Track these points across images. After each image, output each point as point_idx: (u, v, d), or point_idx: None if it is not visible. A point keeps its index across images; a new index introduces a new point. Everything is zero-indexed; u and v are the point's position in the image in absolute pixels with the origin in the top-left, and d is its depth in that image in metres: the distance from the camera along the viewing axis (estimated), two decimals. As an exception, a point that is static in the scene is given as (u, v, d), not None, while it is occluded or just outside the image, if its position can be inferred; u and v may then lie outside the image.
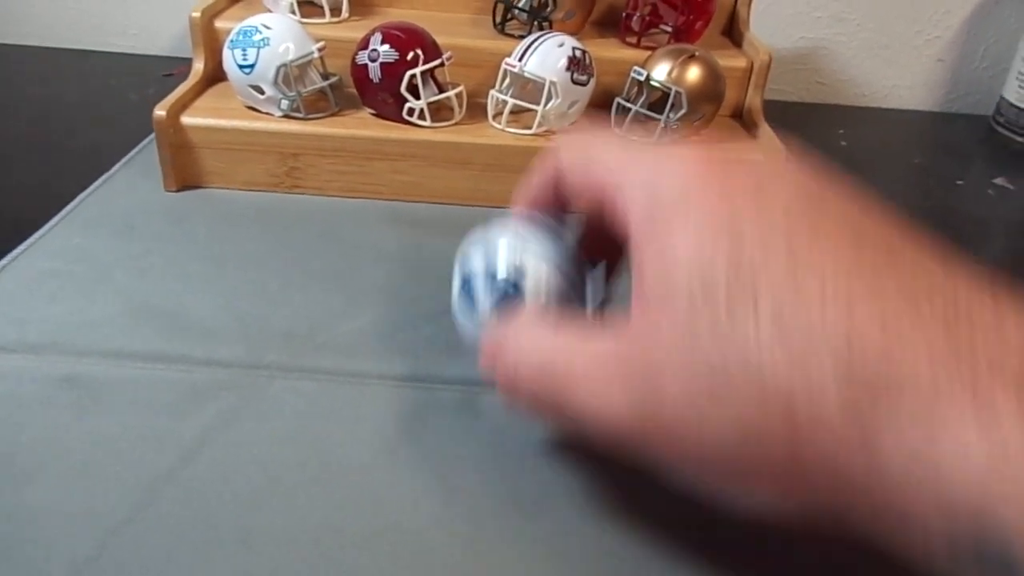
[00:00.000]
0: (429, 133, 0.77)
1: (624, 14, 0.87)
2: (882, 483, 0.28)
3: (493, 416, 0.53)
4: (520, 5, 0.86)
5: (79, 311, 0.60)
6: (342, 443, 0.50)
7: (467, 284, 0.48)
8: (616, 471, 0.49)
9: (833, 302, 0.30)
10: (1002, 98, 1.13)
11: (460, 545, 0.44)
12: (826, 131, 1.08)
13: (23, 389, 0.52)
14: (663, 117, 0.77)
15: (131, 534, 0.43)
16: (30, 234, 0.69)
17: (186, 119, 0.76)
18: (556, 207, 0.48)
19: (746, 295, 0.31)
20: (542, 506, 0.47)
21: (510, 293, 0.45)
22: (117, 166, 0.81)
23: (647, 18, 0.87)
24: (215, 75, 0.83)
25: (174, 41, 1.14)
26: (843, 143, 1.06)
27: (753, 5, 0.94)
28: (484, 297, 0.46)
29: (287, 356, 0.57)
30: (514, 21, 0.88)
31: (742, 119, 0.87)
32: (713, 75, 0.78)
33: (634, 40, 0.87)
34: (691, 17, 0.87)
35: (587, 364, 0.36)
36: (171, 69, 1.06)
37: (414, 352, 0.59)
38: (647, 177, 0.37)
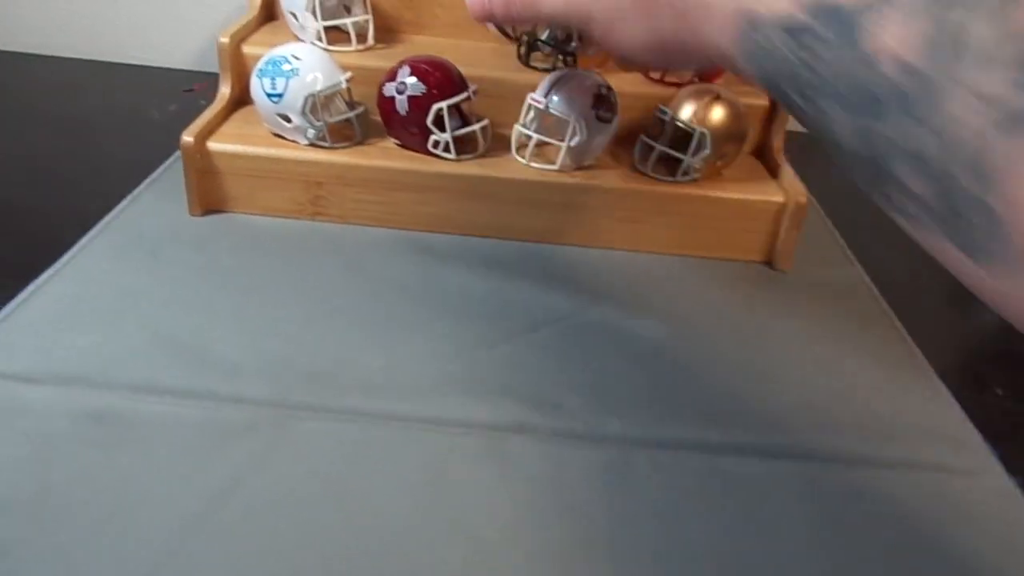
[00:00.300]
0: (453, 166, 0.78)
1: None
2: None
3: (519, 463, 0.54)
4: (544, 38, 0.86)
5: (106, 342, 0.61)
6: (369, 490, 0.51)
7: None
8: (643, 519, 0.50)
9: None
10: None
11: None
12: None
13: (53, 425, 0.53)
14: (686, 157, 0.77)
15: (163, 583, 0.43)
16: (54, 253, 0.70)
17: (213, 145, 0.77)
18: None
19: None
20: (567, 559, 0.48)
21: None
22: (141, 187, 0.82)
23: None
24: (241, 99, 0.84)
25: (194, 56, 1.14)
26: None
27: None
28: None
29: (312, 395, 0.58)
30: (538, 53, 0.88)
31: (763, 157, 0.87)
32: (737, 116, 0.79)
33: (658, 76, 0.87)
34: None
35: None
36: (192, 85, 1.07)
37: (438, 392, 0.59)
38: None
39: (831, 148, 0.28)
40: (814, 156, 1.06)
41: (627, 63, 0.42)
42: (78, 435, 0.52)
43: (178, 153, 0.77)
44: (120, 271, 0.69)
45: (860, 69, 0.25)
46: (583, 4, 0.40)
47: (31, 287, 0.66)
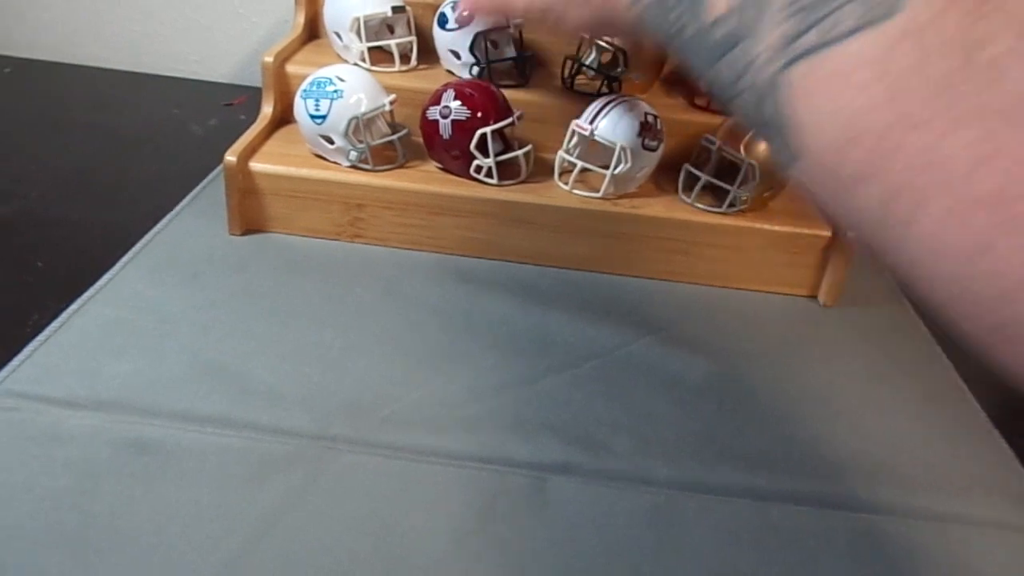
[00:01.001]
0: (496, 191, 0.77)
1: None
2: None
3: (562, 504, 0.53)
4: (588, 63, 0.85)
5: (147, 368, 0.60)
6: (410, 529, 0.50)
7: None
8: (689, 567, 0.48)
9: None
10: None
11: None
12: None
13: (95, 453, 0.52)
14: (734, 188, 0.76)
15: (205, 626, 0.43)
16: (95, 271, 0.70)
17: (255, 165, 0.76)
18: None
19: None
20: None
21: None
22: (181, 205, 0.82)
23: None
24: (283, 117, 0.84)
25: (235, 69, 1.14)
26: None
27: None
28: None
29: (352, 429, 0.57)
30: (582, 77, 0.87)
31: (809, 187, 0.85)
32: (786, 147, 0.77)
33: (703, 102, 0.86)
34: None
35: None
36: (232, 99, 1.07)
37: (480, 428, 0.58)
38: None
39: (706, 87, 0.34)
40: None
41: (573, 35, 0.53)
42: (120, 465, 0.52)
43: (218, 170, 0.77)
44: (160, 293, 0.69)
45: (703, 29, 0.31)
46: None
47: (71, 308, 0.65)
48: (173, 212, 0.80)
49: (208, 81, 1.15)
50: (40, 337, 0.62)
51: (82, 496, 0.49)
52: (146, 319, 0.65)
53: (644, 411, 0.62)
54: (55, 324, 0.63)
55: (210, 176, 0.87)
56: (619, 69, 0.84)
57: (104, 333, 0.63)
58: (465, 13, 0.57)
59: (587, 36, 0.78)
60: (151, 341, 0.63)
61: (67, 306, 0.66)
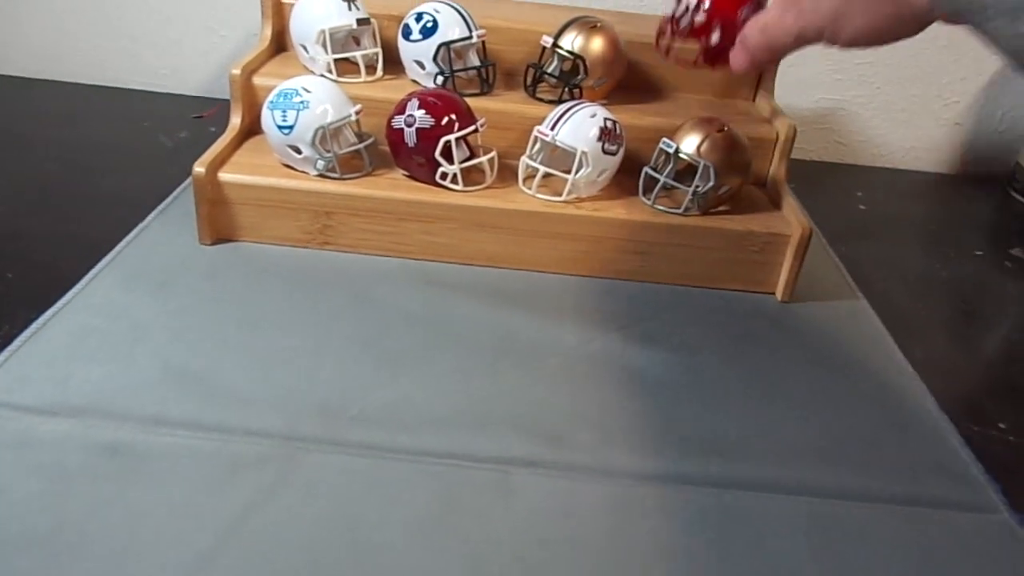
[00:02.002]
0: (461, 197, 0.79)
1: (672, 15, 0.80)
2: None
3: (526, 497, 0.54)
4: (550, 71, 0.87)
5: (118, 373, 0.61)
6: (379, 524, 0.51)
7: None
8: (649, 554, 0.50)
9: None
10: (1018, 164, 1.15)
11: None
12: (845, 193, 1.09)
13: (67, 458, 0.53)
14: (691, 188, 0.78)
15: (176, 620, 0.44)
16: (66, 282, 0.71)
17: (224, 176, 0.78)
18: None
19: None
20: None
21: None
22: (151, 216, 0.83)
23: (694, 27, 0.82)
24: (251, 128, 0.85)
25: (204, 83, 1.16)
26: (862, 206, 1.07)
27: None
28: None
29: (321, 429, 0.58)
30: (544, 84, 0.90)
31: (766, 188, 0.88)
32: (740, 148, 0.80)
33: (665, 49, 0.84)
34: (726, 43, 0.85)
35: None
36: (201, 112, 1.08)
37: (446, 425, 0.60)
38: None
39: (998, 53, 0.37)
40: (818, 187, 1.07)
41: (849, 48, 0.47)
42: (91, 468, 0.53)
43: (189, 181, 0.78)
44: (131, 301, 0.70)
45: None
46: (813, 19, 0.46)
47: (43, 318, 0.66)
48: (144, 223, 0.82)
49: (178, 94, 1.16)
50: (11, 347, 0.63)
51: (54, 499, 0.50)
52: (117, 326, 0.66)
53: (606, 405, 0.64)
54: (26, 333, 0.64)
55: (181, 187, 0.88)
56: (580, 76, 0.87)
57: (75, 341, 0.64)
58: (742, 67, 0.52)
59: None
60: (122, 348, 0.64)
61: (38, 316, 0.66)
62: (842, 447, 0.62)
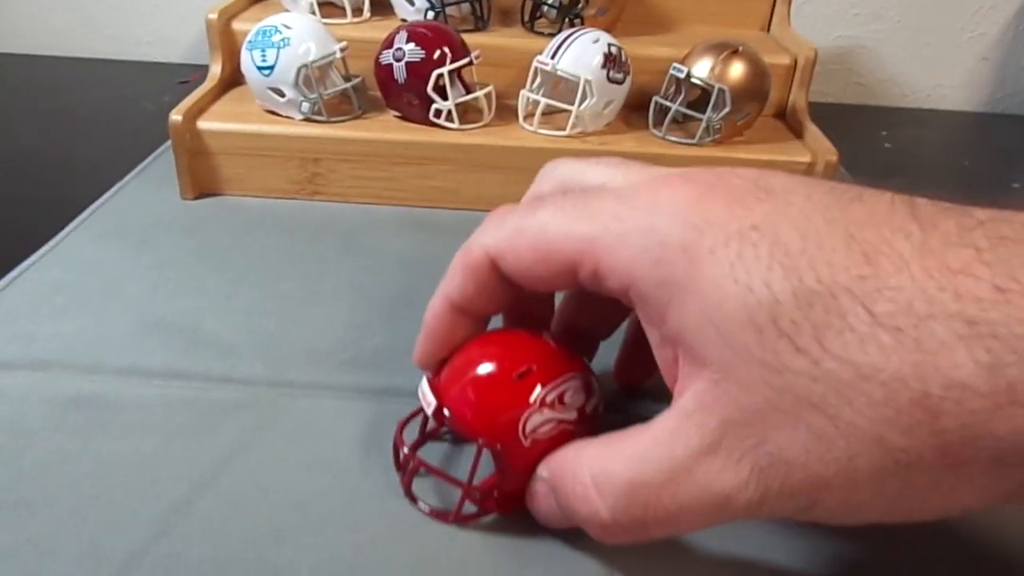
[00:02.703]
0: (457, 136, 0.73)
1: None
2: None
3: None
4: (550, 2, 0.82)
5: (89, 326, 0.56)
6: (369, 469, 0.46)
7: None
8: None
9: (929, 273, 0.27)
10: (1052, 97, 1.08)
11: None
12: (869, 133, 1.03)
13: (29, 410, 0.48)
14: (705, 116, 0.72)
15: (141, 574, 0.39)
16: (37, 243, 0.66)
17: (203, 124, 0.73)
18: (488, 305, 0.42)
19: (826, 298, 0.27)
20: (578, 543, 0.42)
21: None
22: (131, 175, 0.78)
23: None
24: (233, 79, 0.80)
25: (189, 48, 1.11)
26: (887, 145, 1.01)
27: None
28: None
29: (309, 373, 0.53)
30: (543, 19, 0.84)
31: (785, 119, 0.82)
32: (758, 72, 0.74)
33: None
34: None
35: (677, 456, 0.30)
36: (186, 76, 1.03)
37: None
38: (634, 223, 0.32)
39: None
40: (839, 130, 1.01)
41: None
42: (54, 421, 0.48)
43: (170, 141, 0.73)
44: (106, 257, 0.65)
45: None
46: (811, 490, 0.29)
47: (10, 276, 0.62)
48: (122, 182, 0.77)
49: (162, 63, 1.11)
50: (-24, 305, 0.58)
51: (13, 453, 0.45)
52: (90, 281, 0.61)
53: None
54: (-8, 291, 0.59)
55: (161, 148, 0.83)
56: (580, 6, 0.81)
57: (44, 296, 0.59)
58: None
59: None
60: (94, 302, 0.59)
61: (6, 274, 0.62)
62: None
